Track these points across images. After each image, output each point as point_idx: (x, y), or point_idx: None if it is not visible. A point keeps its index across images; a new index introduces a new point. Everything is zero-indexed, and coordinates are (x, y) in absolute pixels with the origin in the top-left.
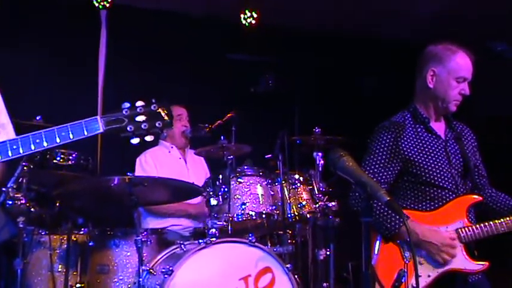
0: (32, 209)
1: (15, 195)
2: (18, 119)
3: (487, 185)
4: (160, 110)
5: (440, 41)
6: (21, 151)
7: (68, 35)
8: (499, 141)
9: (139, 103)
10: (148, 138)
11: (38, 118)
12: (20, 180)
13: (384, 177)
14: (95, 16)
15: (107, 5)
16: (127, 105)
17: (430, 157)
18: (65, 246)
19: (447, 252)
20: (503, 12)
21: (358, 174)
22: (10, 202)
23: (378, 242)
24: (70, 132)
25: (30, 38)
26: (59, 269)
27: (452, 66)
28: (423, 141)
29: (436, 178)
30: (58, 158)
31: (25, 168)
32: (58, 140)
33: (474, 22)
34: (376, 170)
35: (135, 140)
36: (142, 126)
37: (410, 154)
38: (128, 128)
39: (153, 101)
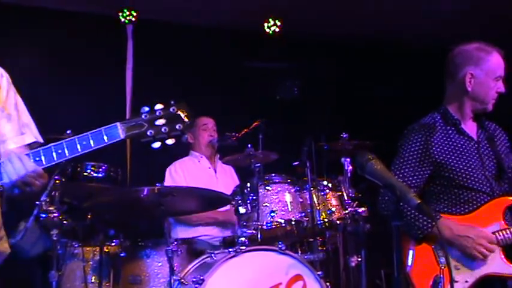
0: (65, 222)
1: (48, 208)
2: (48, 135)
3: None
4: (179, 112)
5: (467, 41)
6: (44, 162)
7: (95, 50)
8: None
9: (158, 106)
10: (170, 141)
11: (68, 132)
12: (52, 194)
13: (413, 180)
14: (121, 30)
15: (133, 19)
16: (146, 109)
17: (462, 160)
18: (98, 257)
19: (485, 245)
20: None
21: (387, 177)
22: (44, 215)
23: (411, 252)
24: (90, 139)
25: (58, 53)
26: (92, 280)
27: (489, 67)
28: (455, 144)
29: (469, 181)
30: (88, 171)
31: (57, 181)
32: (79, 149)
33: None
34: (405, 174)
35: (157, 145)
36: (163, 129)
37: (441, 157)
38: (148, 133)
39: (172, 103)
